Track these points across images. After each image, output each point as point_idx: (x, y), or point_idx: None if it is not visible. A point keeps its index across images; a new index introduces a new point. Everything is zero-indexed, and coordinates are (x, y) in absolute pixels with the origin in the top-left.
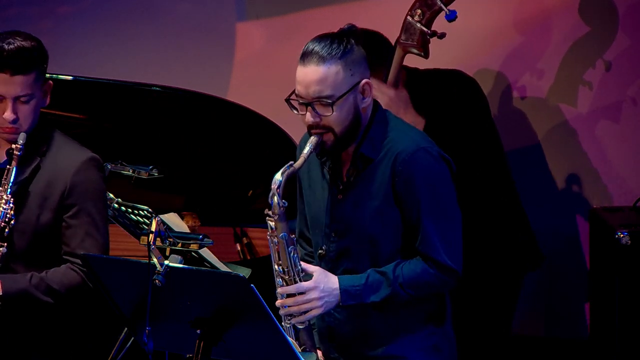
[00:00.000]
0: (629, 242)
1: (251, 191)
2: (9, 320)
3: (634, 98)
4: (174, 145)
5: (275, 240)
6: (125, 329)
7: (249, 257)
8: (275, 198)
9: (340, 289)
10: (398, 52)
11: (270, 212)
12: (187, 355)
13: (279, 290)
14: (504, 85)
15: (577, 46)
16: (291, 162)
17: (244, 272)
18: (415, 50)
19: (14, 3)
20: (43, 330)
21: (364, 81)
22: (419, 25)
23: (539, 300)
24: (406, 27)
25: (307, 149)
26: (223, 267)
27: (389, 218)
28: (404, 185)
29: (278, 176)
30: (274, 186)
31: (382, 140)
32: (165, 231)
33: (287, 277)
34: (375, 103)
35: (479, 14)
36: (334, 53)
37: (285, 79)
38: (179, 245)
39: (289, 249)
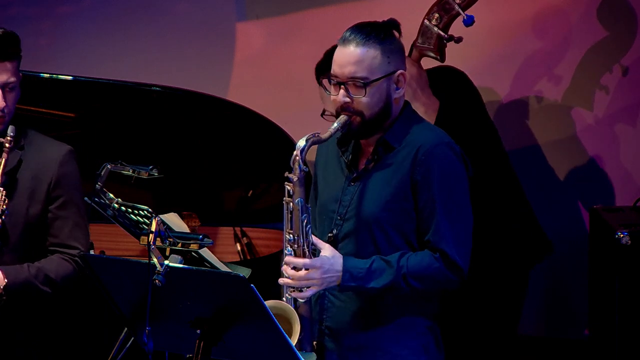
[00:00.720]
0: (629, 242)
1: (251, 191)
2: (9, 313)
3: None
4: (174, 145)
5: (291, 206)
6: (125, 329)
7: (249, 257)
8: (297, 164)
9: (343, 269)
10: (414, 55)
11: (290, 176)
12: (187, 355)
13: (286, 259)
14: (520, 88)
15: (595, 50)
16: (317, 132)
17: (244, 272)
18: (431, 54)
19: (14, 3)
20: (40, 325)
21: (399, 71)
22: (436, 29)
23: (539, 300)
24: (423, 31)
25: (335, 125)
26: (223, 267)
27: (400, 207)
28: (423, 175)
29: (302, 142)
30: (297, 151)
31: (406, 134)
32: (165, 231)
33: (296, 246)
34: (406, 102)
35: (497, 18)
36: (374, 38)
37: (285, 79)
38: (179, 245)
39: (303, 216)
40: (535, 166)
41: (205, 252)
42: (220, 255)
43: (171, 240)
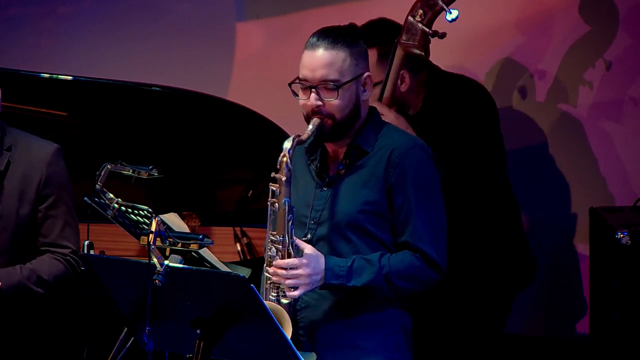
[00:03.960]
0: (629, 242)
1: (251, 191)
2: (9, 313)
3: (634, 98)
4: (174, 145)
5: (277, 206)
6: (125, 329)
7: (249, 257)
8: (284, 164)
9: (325, 267)
10: (399, 52)
11: (278, 176)
12: (187, 355)
13: (274, 262)
14: (504, 85)
15: (578, 46)
16: (298, 134)
17: (244, 272)
18: (416, 51)
19: (14, 3)
20: (40, 325)
21: (366, 74)
22: (420, 25)
23: (539, 300)
24: (407, 28)
25: (310, 127)
26: (223, 267)
27: (375, 209)
28: (398, 178)
29: (288, 144)
30: (284, 152)
31: (376, 137)
32: (165, 231)
33: (281, 247)
34: (372, 108)
35: (480, 14)
36: (342, 42)
37: (285, 78)
38: (179, 245)
39: (288, 217)
40: (535, 166)
41: (205, 252)
42: (220, 255)
43: (171, 240)
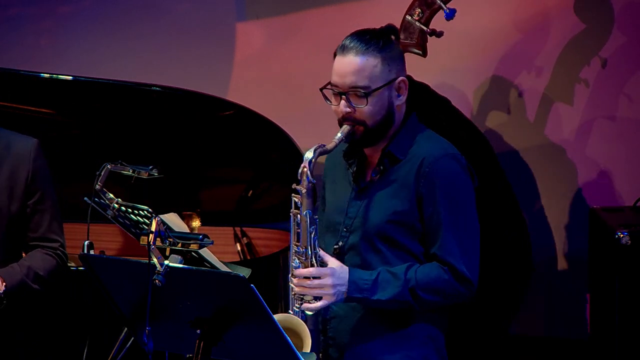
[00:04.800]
0: (629, 242)
1: (251, 191)
2: (9, 313)
3: (630, 95)
4: (174, 145)
5: (298, 218)
6: (125, 329)
7: (249, 257)
8: (305, 175)
9: (349, 279)
10: None
11: (298, 187)
12: (187, 355)
13: (295, 272)
14: (501, 83)
15: (574, 44)
16: (322, 144)
17: (244, 272)
18: (414, 50)
19: (14, 3)
20: (40, 325)
21: (400, 78)
22: (418, 24)
23: (539, 300)
24: (405, 26)
25: (338, 135)
26: (223, 267)
27: (406, 220)
28: (428, 188)
29: (309, 154)
30: (304, 163)
31: (410, 144)
32: (165, 231)
33: (304, 258)
34: (409, 112)
35: (477, 13)
36: (374, 46)
37: (285, 78)
38: (179, 245)
39: (311, 228)
40: (533, 166)
41: (205, 252)
42: (220, 255)
43: (171, 240)
